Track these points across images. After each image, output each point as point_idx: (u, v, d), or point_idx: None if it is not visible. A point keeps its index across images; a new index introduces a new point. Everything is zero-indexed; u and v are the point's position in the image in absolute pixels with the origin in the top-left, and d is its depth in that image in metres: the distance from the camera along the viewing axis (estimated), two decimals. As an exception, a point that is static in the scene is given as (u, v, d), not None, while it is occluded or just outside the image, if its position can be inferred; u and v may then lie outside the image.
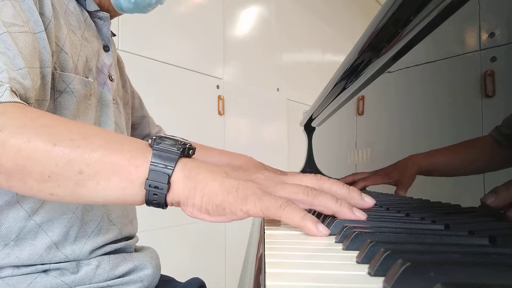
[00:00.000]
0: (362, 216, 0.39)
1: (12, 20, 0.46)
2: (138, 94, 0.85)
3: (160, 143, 0.39)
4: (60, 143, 0.38)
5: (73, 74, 0.55)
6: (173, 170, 0.38)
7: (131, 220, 0.68)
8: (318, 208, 0.39)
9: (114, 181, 0.38)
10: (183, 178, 0.39)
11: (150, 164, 0.38)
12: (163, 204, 0.40)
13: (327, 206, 0.39)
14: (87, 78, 0.58)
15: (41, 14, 0.51)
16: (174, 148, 0.39)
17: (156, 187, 0.38)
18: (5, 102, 0.39)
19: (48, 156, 0.37)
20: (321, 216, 0.43)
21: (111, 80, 0.65)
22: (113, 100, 0.65)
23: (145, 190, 0.38)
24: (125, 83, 0.81)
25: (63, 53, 0.54)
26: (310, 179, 0.41)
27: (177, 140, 0.40)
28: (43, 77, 0.50)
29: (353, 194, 0.41)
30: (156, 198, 0.39)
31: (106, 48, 0.65)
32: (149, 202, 0.39)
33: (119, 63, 0.80)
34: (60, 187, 0.39)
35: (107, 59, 0.65)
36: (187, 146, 0.41)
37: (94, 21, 0.63)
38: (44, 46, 0.50)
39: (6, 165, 0.38)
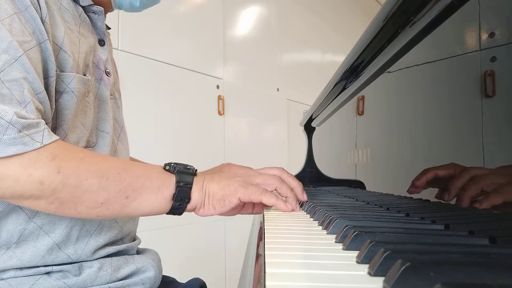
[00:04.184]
0: (295, 207, 0.60)
1: (22, 37, 0.46)
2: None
3: (180, 169, 0.54)
4: (111, 177, 0.48)
5: (73, 73, 0.54)
6: (192, 186, 0.54)
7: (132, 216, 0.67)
8: (279, 191, 0.59)
9: (152, 199, 0.51)
10: (197, 190, 0.54)
11: (176, 184, 0.53)
12: (183, 211, 0.54)
13: (284, 193, 0.59)
14: (85, 75, 0.57)
15: (40, 17, 0.50)
16: (190, 171, 0.55)
17: (181, 199, 0.53)
18: (49, 143, 0.45)
19: (103, 188, 0.47)
20: (325, 217, 0.44)
21: (108, 75, 0.64)
22: (111, 95, 0.65)
23: (172, 202, 0.53)
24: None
25: (62, 52, 0.53)
26: (275, 170, 0.62)
27: (185, 165, 0.56)
28: (47, 87, 0.50)
29: (299, 188, 0.62)
30: (180, 207, 0.54)
31: (101, 43, 0.64)
32: (172, 211, 0.54)
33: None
34: (109, 210, 0.49)
35: (102, 53, 0.64)
36: (194, 168, 0.57)
37: (88, 16, 0.62)
38: (48, 56, 0.50)
39: (62, 198, 0.46)
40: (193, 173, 0.55)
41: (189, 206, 0.54)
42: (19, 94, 0.44)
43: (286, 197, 0.60)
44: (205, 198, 0.55)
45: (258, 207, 0.65)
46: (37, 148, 0.43)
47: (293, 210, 0.59)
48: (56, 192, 0.45)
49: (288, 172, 0.62)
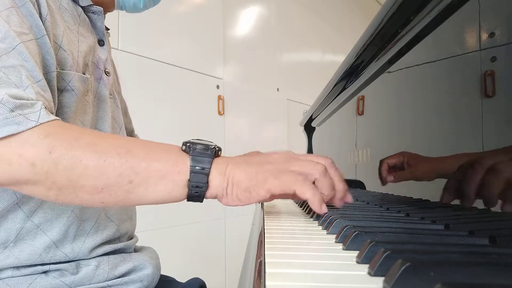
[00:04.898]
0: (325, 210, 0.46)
1: (20, 28, 0.46)
2: (125, 103, 0.83)
3: (195, 149, 0.46)
4: (109, 158, 0.43)
5: (73, 71, 0.54)
6: (209, 171, 0.45)
7: (130, 216, 0.67)
8: (319, 186, 0.46)
9: (161, 186, 0.44)
10: (218, 176, 0.46)
11: (190, 168, 0.44)
12: (202, 199, 0.46)
13: (325, 190, 0.46)
14: (84, 74, 0.58)
15: (39, 14, 0.50)
16: (208, 152, 0.46)
17: (197, 186, 0.45)
18: (45, 122, 0.42)
19: (100, 171, 0.42)
20: (325, 217, 0.44)
21: (107, 75, 0.65)
22: (110, 94, 0.65)
23: (187, 189, 0.45)
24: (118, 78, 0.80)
25: (61, 51, 0.53)
26: (322, 159, 0.48)
27: (207, 144, 0.47)
28: (48, 82, 0.50)
29: (341, 193, 0.48)
30: (197, 195, 0.45)
31: (101, 43, 0.65)
32: (190, 198, 0.46)
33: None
34: (112, 196, 0.44)
35: (102, 53, 0.64)
36: (216, 148, 0.47)
37: (88, 16, 0.62)
38: (47, 51, 0.50)
39: (59, 183, 0.42)
40: (213, 154, 0.46)
41: (208, 193, 0.46)
42: (17, 79, 0.43)
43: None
44: (228, 185, 0.46)
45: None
46: (31, 128, 0.41)
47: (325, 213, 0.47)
48: (50, 175, 0.41)
49: (336, 168, 0.49)
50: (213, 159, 0.46)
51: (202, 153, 0.46)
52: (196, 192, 0.45)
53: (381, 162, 0.65)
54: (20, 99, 0.41)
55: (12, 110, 0.40)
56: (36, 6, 0.50)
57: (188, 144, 0.46)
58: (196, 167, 0.45)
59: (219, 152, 0.48)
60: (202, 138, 0.50)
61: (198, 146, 0.46)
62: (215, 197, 0.47)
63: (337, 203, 0.49)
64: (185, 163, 0.45)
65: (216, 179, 0.46)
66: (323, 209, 0.45)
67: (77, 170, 0.42)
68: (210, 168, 0.46)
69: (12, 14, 0.46)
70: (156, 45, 1.73)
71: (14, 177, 0.41)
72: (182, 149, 0.47)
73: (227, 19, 2.19)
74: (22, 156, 0.40)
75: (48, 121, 0.42)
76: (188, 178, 0.45)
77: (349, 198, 0.49)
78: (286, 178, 0.45)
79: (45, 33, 0.50)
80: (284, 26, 2.71)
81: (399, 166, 0.61)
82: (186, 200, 0.47)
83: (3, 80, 0.42)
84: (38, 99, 0.43)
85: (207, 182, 0.45)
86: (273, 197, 0.47)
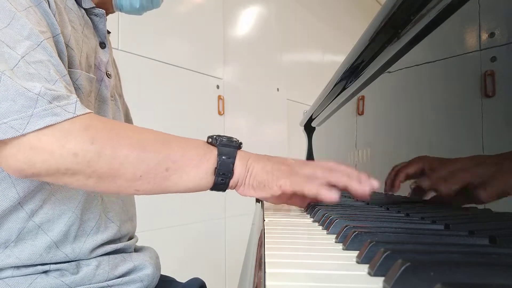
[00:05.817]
0: (367, 188, 0.50)
1: (39, 27, 0.47)
2: (127, 106, 0.83)
3: (222, 140, 0.51)
4: (149, 148, 0.47)
5: (80, 70, 0.55)
6: (234, 160, 0.50)
7: (131, 217, 0.68)
8: (334, 182, 0.50)
9: (193, 173, 0.49)
10: (240, 165, 0.51)
11: (217, 157, 0.50)
12: (226, 187, 0.51)
13: (340, 179, 0.50)
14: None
15: None
16: (232, 144, 0.51)
17: (223, 174, 0.50)
18: (82, 114, 0.44)
19: (141, 160, 0.46)
20: (325, 217, 0.44)
21: (109, 77, 0.65)
22: (111, 96, 0.66)
23: (214, 177, 0.50)
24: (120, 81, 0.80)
25: (69, 49, 0.54)
26: (330, 163, 0.53)
27: (230, 137, 0.52)
28: None
29: (362, 175, 0.51)
30: (223, 182, 0.50)
31: (102, 45, 0.65)
32: (216, 186, 0.51)
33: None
34: (149, 183, 0.47)
35: (103, 56, 0.65)
36: (238, 141, 0.53)
37: (90, 18, 0.63)
38: (62, 49, 0.51)
39: (100, 171, 0.44)
40: (237, 146, 0.52)
41: (231, 182, 0.51)
42: (46, 73, 0.44)
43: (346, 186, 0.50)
44: (246, 175, 0.51)
45: (306, 199, 0.59)
46: (69, 119, 0.43)
47: (357, 196, 0.50)
48: (92, 164, 0.43)
49: (346, 166, 0.54)
50: (237, 150, 0.51)
51: (228, 145, 0.51)
52: (222, 179, 0.50)
53: (398, 171, 0.59)
54: (55, 91, 0.43)
55: (50, 102, 0.42)
56: (48, 5, 0.50)
57: (214, 137, 0.52)
58: (223, 157, 0.50)
59: (241, 145, 0.53)
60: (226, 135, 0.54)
61: (224, 138, 0.52)
62: (234, 186, 0.52)
63: (365, 182, 0.50)
64: (213, 153, 0.50)
65: (239, 168, 0.51)
66: (332, 196, 0.49)
67: (118, 159, 0.45)
68: (235, 158, 0.51)
69: (30, 13, 0.47)
70: (156, 45, 1.73)
71: (54, 167, 0.43)
72: (208, 142, 0.52)
73: (227, 19, 2.19)
74: (64, 146, 0.42)
75: (84, 114, 0.45)
76: (216, 166, 0.50)
77: (374, 182, 0.51)
78: (296, 179, 0.50)
79: (60, 31, 0.51)
80: (284, 26, 2.71)
81: (418, 174, 0.55)
82: (211, 189, 0.51)
83: (36, 75, 0.43)
84: (67, 92, 0.45)
85: (232, 170, 0.50)
86: (283, 196, 0.52)
